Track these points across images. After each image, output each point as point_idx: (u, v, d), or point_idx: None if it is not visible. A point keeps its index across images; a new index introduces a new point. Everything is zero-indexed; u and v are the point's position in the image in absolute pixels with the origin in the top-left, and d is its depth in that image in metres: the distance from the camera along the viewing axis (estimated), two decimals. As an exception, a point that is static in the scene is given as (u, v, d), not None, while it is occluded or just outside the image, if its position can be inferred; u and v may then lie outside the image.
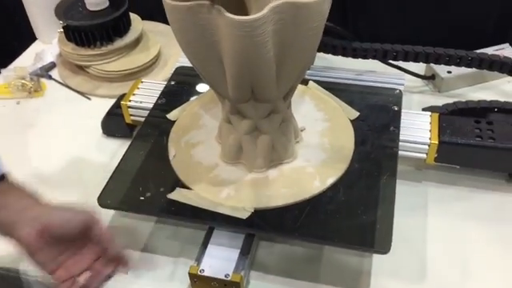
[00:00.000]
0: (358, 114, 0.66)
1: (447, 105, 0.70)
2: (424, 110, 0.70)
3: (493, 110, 0.68)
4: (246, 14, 0.54)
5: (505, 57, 0.73)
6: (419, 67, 0.82)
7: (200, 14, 0.45)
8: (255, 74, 0.48)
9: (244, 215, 0.55)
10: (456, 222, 0.62)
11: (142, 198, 0.57)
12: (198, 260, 0.55)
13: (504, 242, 0.60)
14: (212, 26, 0.45)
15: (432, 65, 0.80)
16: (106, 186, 0.59)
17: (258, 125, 0.56)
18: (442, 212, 0.63)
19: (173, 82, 0.74)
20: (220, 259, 0.55)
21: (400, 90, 0.69)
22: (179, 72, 0.76)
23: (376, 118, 0.65)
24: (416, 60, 0.76)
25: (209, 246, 0.56)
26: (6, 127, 0.80)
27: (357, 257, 0.58)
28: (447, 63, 0.75)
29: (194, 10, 0.45)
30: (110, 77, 0.86)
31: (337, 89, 0.70)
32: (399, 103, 0.67)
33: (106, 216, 0.63)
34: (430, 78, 0.82)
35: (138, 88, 0.74)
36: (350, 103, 0.67)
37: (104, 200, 0.57)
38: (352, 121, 0.65)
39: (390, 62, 0.78)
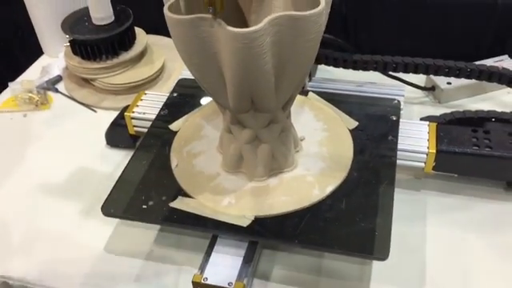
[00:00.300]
0: (356, 123, 0.67)
1: (445, 114, 0.71)
2: (422, 119, 0.71)
3: (490, 119, 0.69)
4: (246, 26, 0.56)
5: (503, 68, 0.75)
6: (420, 78, 0.83)
7: (201, 27, 0.46)
8: (254, 85, 0.50)
9: (245, 223, 0.56)
10: (455, 230, 0.63)
11: (145, 207, 0.59)
12: (202, 268, 0.56)
13: (503, 249, 0.61)
14: (212, 38, 0.47)
15: (432, 76, 0.82)
16: (109, 195, 0.60)
17: (258, 134, 0.57)
18: (441, 220, 0.64)
19: (175, 94, 0.75)
20: (223, 267, 0.56)
21: (398, 101, 0.70)
22: (181, 84, 0.77)
23: (374, 128, 0.66)
24: (416, 71, 0.77)
25: (212, 254, 0.57)
26: (14, 139, 0.82)
27: (356, 264, 0.59)
28: (447, 74, 0.76)
29: (195, 24, 0.47)
30: (115, 89, 0.87)
31: (336, 99, 0.71)
32: (397, 113, 0.68)
33: (110, 225, 0.65)
34: (431, 89, 0.83)
35: (142, 100, 0.75)
36: (349, 113, 0.69)
37: (107, 209, 0.59)
38: (351, 130, 0.66)
39: (391, 73, 0.79)
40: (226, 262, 0.56)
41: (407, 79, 0.81)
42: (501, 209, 0.65)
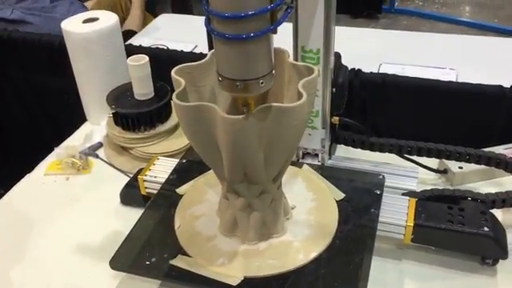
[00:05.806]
0: (343, 195, 0.74)
1: (425, 191, 0.78)
2: (404, 194, 0.78)
3: (466, 198, 0.75)
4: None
5: (510, 157, 0.80)
6: (433, 161, 0.87)
7: (201, 112, 0.55)
8: (246, 160, 0.58)
9: (235, 282, 0.62)
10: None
11: (148, 263, 0.66)
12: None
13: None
14: (210, 121, 0.56)
15: (444, 160, 0.85)
16: (117, 251, 0.67)
17: (250, 203, 0.65)
18: (418, 288, 0.69)
19: (184, 161, 0.84)
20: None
21: (383, 176, 0.77)
22: (190, 152, 0.86)
23: (359, 200, 0.73)
24: (429, 155, 0.82)
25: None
26: (56, 201, 0.89)
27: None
28: (458, 159, 0.81)
29: (197, 109, 0.56)
30: (150, 158, 0.91)
31: (328, 172, 0.79)
32: (381, 187, 0.75)
33: (116, 277, 0.72)
34: (443, 172, 0.87)
35: (154, 164, 0.84)
36: (338, 185, 0.76)
37: (115, 263, 0.66)
38: (338, 201, 0.73)
39: (406, 156, 0.84)
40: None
41: (421, 161, 0.85)
42: (475, 282, 0.70)
